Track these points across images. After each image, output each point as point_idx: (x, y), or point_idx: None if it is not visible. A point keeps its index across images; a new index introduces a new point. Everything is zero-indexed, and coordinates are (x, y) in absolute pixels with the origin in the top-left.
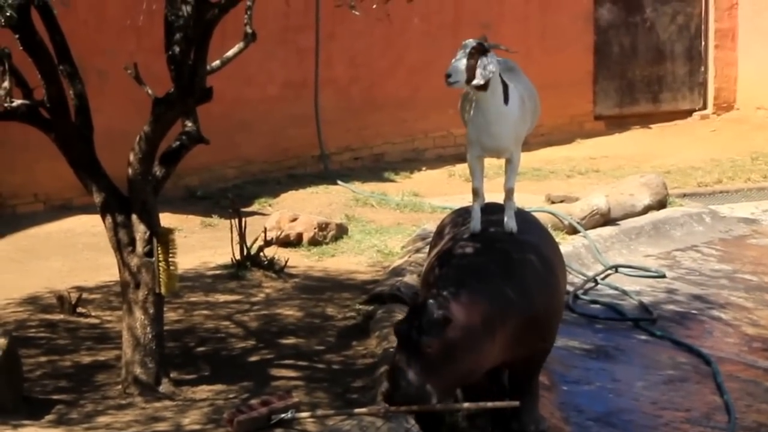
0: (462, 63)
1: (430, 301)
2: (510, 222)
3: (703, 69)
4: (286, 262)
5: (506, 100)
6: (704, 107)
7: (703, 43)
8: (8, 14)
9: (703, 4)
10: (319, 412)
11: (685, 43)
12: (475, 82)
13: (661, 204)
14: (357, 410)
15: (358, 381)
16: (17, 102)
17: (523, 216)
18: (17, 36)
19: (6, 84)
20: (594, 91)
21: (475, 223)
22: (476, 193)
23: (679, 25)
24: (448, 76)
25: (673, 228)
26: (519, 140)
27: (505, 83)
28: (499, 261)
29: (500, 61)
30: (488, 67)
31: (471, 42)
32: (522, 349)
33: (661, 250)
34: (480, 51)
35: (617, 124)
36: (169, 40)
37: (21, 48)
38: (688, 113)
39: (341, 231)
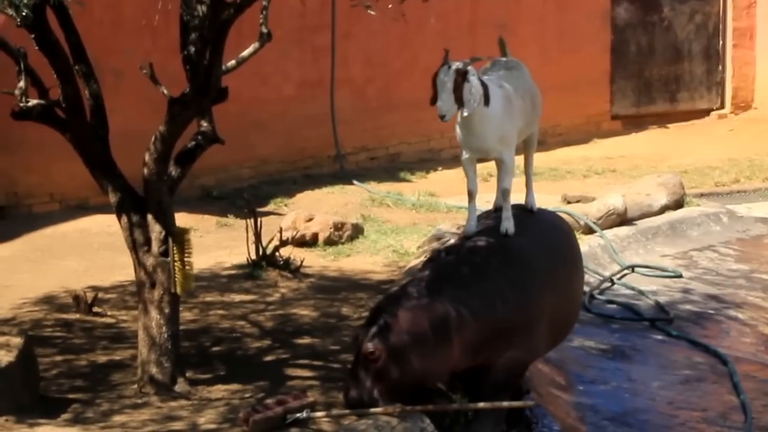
0: (449, 100)
1: (378, 306)
2: (506, 224)
3: (720, 68)
4: (302, 262)
5: (487, 101)
6: (722, 106)
7: (721, 42)
8: (24, 14)
9: (721, 2)
10: (335, 411)
11: (702, 42)
12: (466, 111)
13: (678, 204)
14: (372, 410)
15: None
16: (33, 102)
17: (539, 217)
18: (33, 36)
19: (22, 84)
20: (611, 91)
21: (470, 225)
22: (470, 195)
23: (697, 24)
24: (442, 117)
25: (690, 228)
26: (506, 140)
27: (484, 85)
28: (472, 265)
29: (501, 60)
30: (473, 90)
31: (450, 73)
32: (490, 354)
33: (678, 249)
34: (462, 77)
35: (634, 123)
36: (184, 40)
37: (37, 48)
38: (706, 113)
39: (357, 231)
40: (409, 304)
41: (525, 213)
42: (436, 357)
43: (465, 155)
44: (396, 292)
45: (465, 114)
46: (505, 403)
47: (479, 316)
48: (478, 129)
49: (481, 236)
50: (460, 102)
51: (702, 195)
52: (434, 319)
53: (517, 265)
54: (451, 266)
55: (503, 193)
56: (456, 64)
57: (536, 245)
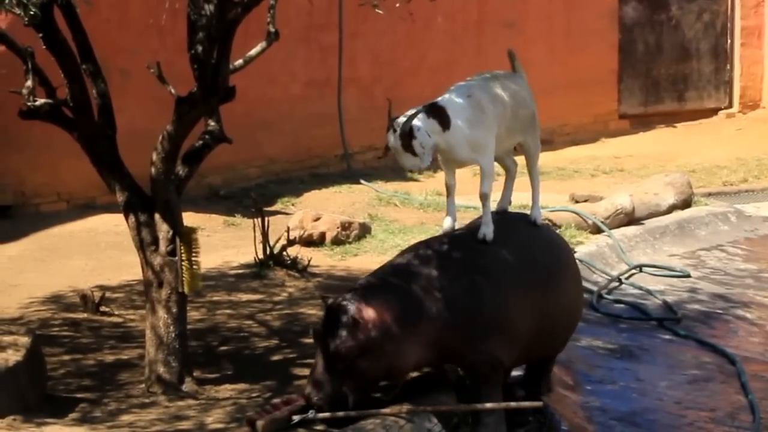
0: (409, 158)
1: (342, 302)
2: (483, 229)
3: (728, 67)
4: (309, 261)
5: (447, 125)
6: (730, 106)
7: (728, 40)
8: (32, 13)
9: (729, 1)
10: (341, 412)
11: (710, 41)
12: (425, 165)
13: (686, 203)
14: (381, 410)
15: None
16: (40, 101)
17: (528, 229)
18: (40, 35)
19: (29, 83)
20: (619, 90)
21: (447, 221)
22: (448, 189)
23: (705, 23)
24: (412, 172)
25: (698, 227)
26: (479, 147)
27: (439, 110)
28: (438, 266)
29: (487, 72)
30: (423, 144)
31: (396, 138)
32: (452, 356)
33: (686, 249)
34: (408, 136)
35: (642, 122)
36: (192, 39)
37: (44, 47)
38: (714, 112)
39: (364, 230)
40: (373, 300)
41: (517, 222)
42: (398, 352)
43: (444, 164)
44: (356, 287)
45: (424, 166)
46: (513, 404)
47: (437, 317)
48: (446, 148)
49: (458, 238)
50: (417, 156)
51: (710, 194)
52: (396, 316)
53: (483, 270)
54: (416, 264)
55: (481, 197)
56: (399, 127)
57: (513, 254)
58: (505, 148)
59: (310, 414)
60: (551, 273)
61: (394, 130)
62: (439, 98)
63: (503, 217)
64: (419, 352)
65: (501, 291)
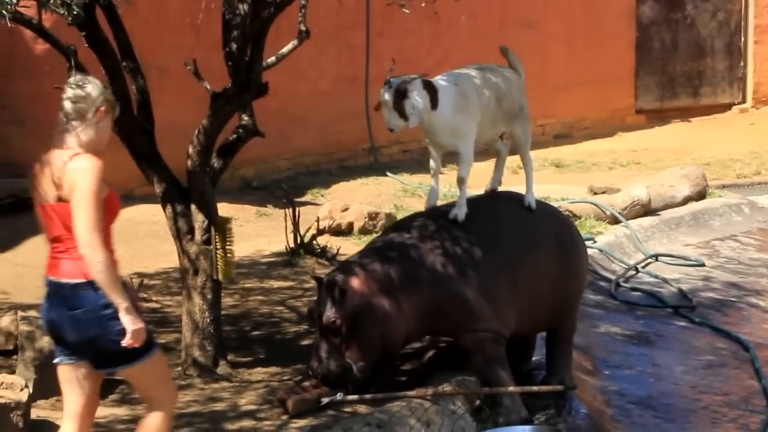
0: (395, 116)
1: (329, 277)
2: (455, 210)
3: (742, 64)
4: (338, 249)
5: (435, 105)
6: (743, 101)
7: (742, 38)
8: (75, 12)
9: (743, 0)
10: (368, 395)
11: (725, 39)
12: (410, 125)
13: (700, 195)
14: (406, 392)
15: (407, 364)
16: None
17: (519, 208)
18: (83, 33)
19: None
20: (635, 86)
21: (431, 199)
22: (433, 172)
23: (719, 22)
24: (391, 130)
25: (712, 218)
26: (460, 133)
27: (433, 89)
28: (422, 240)
29: (482, 64)
30: (415, 105)
31: (390, 92)
32: (446, 330)
33: (701, 239)
34: (401, 95)
35: (658, 117)
36: (226, 37)
37: (86, 45)
38: (728, 107)
39: (390, 220)
40: (358, 272)
41: (502, 200)
42: (391, 319)
43: (430, 146)
44: (343, 263)
45: (411, 126)
46: (535, 387)
47: (423, 289)
48: (428, 128)
49: (444, 215)
50: (404, 117)
51: (724, 186)
52: (382, 285)
53: (469, 252)
54: (401, 239)
55: (458, 181)
56: (396, 83)
57: (495, 229)
58: (490, 136)
59: (339, 396)
60: (534, 247)
61: (390, 87)
62: (432, 79)
63: (491, 196)
64: (409, 321)
65: (485, 266)
